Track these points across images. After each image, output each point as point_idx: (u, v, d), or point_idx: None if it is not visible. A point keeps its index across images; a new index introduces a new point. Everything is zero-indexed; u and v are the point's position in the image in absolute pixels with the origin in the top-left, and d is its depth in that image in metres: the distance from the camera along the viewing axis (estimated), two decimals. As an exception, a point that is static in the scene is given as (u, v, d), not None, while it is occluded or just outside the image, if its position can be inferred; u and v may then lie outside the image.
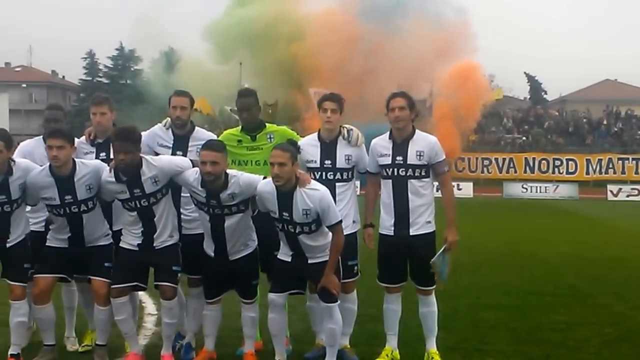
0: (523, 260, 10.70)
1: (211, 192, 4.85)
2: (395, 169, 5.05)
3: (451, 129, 31.78)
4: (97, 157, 5.29)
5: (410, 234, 5.05)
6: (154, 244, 4.99)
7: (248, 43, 34.13)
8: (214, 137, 5.49)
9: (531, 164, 34.42)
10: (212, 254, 5.04)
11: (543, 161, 34.37)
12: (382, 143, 5.16)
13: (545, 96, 57.12)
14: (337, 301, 4.84)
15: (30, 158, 5.16)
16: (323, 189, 4.75)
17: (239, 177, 4.86)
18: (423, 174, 5.04)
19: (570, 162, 34.20)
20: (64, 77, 65.15)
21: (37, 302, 4.99)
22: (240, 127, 5.47)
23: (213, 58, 37.13)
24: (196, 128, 5.47)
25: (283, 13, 34.90)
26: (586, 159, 34.12)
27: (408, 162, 5.03)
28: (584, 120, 39.76)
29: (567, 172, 33.99)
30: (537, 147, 36.15)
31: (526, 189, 31.51)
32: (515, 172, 34.38)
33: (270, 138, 5.36)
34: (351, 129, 5.28)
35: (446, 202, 5.18)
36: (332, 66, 31.85)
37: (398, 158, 5.03)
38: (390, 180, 5.08)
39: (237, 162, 5.28)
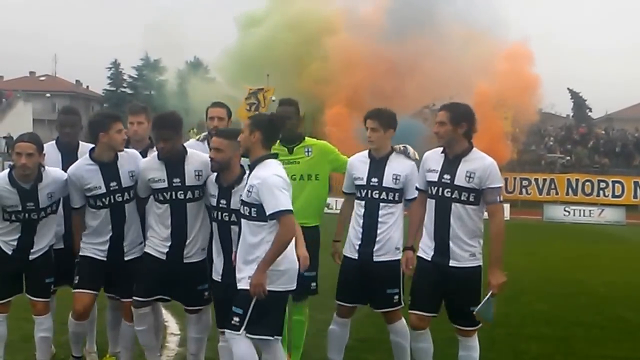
0: (566, 288, 10.48)
1: (222, 189, 4.69)
2: (441, 189, 4.73)
3: (495, 121, 31.26)
4: None
5: (450, 264, 4.70)
6: (184, 255, 4.90)
7: (269, 64, 34.39)
8: None
9: (574, 185, 33.87)
10: (219, 277, 4.75)
11: (587, 183, 33.79)
12: (435, 157, 4.84)
13: (590, 114, 56.42)
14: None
15: None
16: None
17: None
18: (471, 199, 4.65)
19: (616, 185, 33.56)
20: (88, 87, 66.50)
21: (79, 318, 5.01)
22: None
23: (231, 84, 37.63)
24: None
25: (300, 36, 35.19)
26: (634, 182, 33.44)
27: (455, 183, 4.67)
28: (633, 139, 39.06)
29: (613, 195, 33.36)
30: (580, 167, 35.60)
31: (568, 212, 30.94)
32: (557, 193, 33.87)
33: (308, 152, 5.32)
34: (405, 146, 5.21)
35: (493, 236, 4.69)
36: (355, 87, 32.02)
37: (445, 176, 4.70)
38: (434, 200, 4.76)
39: None
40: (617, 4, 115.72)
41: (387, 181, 5.03)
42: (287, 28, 35.62)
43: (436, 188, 4.74)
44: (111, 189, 4.89)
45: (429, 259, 4.79)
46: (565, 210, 31.01)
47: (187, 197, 4.82)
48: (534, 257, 14.84)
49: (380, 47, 32.15)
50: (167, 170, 4.81)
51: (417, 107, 32.60)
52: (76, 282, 5.02)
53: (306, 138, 5.42)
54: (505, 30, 33.98)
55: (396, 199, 5.07)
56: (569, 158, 37.13)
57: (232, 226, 4.61)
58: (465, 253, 4.68)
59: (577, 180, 33.92)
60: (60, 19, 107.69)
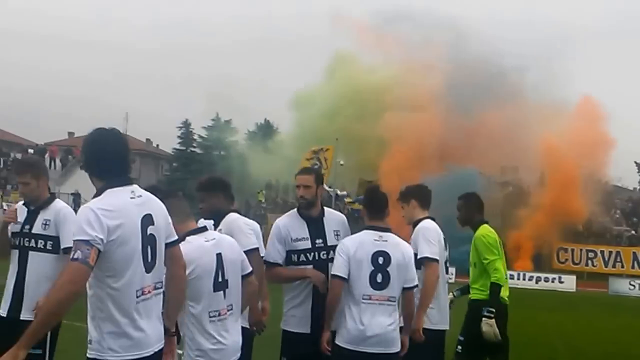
0: (631, 364, 10.77)
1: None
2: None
3: (569, 169, 31.06)
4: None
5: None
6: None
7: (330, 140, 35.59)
8: (342, 217, 5.28)
9: (640, 259, 33.53)
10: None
11: (653, 257, 33.38)
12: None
13: (656, 187, 55.45)
14: None
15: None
16: None
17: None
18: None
19: (684, 260, 33.02)
20: (157, 145, 68.72)
21: None
22: None
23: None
24: (325, 209, 5.12)
25: (359, 111, 36.27)
26: (702, 257, 32.88)
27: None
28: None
29: (679, 270, 32.80)
30: (647, 241, 35.19)
31: (634, 286, 30.51)
32: (623, 266, 33.50)
33: None
34: None
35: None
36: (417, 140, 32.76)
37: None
38: None
39: None
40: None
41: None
42: (346, 104, 36.78)
43: None
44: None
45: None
46: (630, 284, 30.63)
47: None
48: (599, 332, 14.96)
49: (442, 118, 33.06)
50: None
51: (484, 161, 33.01)
52: None
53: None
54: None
55: None
56: (634, 232, 36.73)
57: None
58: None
59: (643, 254, 33.55)
60: (133, 77, 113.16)
